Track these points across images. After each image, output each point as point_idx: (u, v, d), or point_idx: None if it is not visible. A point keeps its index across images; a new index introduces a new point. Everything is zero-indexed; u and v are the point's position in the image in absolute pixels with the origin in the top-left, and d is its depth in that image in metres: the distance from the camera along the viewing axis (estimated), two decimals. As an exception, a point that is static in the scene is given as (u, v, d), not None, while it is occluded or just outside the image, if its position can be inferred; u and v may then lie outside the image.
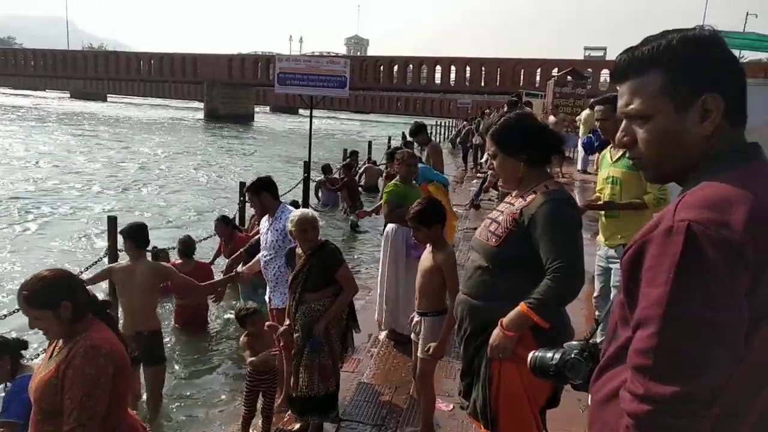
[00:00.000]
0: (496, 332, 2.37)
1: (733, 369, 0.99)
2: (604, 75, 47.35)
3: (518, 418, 2.46)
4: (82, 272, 5.44)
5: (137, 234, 4.53)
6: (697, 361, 0.98)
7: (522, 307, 2.29)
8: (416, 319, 3.49)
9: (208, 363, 5.92)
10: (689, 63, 1.15)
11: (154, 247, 7.02)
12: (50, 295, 2.32)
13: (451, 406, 4.05)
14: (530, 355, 1.77)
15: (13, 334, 3.90)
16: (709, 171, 1.14)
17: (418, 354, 3.49)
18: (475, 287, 2.55)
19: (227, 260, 7.39)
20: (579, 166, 14.03)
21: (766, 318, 1.01)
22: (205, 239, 7.94)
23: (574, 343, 1.68)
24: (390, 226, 5.19)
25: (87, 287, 2.49)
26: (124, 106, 78.57)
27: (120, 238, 4.96)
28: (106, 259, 6.11)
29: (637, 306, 1.07)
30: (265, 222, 4.49)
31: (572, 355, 1.62)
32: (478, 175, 11.58)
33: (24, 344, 3.46)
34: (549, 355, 1.69)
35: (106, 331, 2.42)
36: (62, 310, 2.32)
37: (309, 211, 3.89)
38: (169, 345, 6.13)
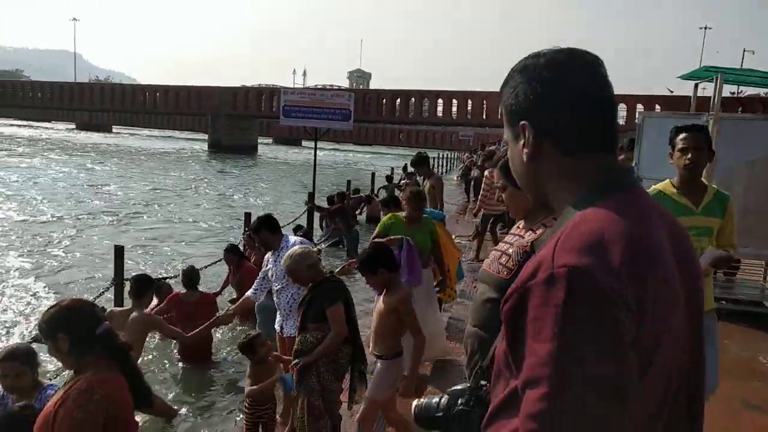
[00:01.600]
0: None
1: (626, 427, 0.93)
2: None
3: None
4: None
5: (136, 286, 5.23)
6: (590, 425, 0.91)
7: None
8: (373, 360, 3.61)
9: (213, 397, 5.87)
10: (505, 92, 1.20)
11: (158, 280, 7.08)
12: (50, 326, 2.32)
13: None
14: (414, 402, 1.64)
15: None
16: (579, 200, 1.10)
17: (365, 394, 3.61)
18: (486, 320, 2.55)
19: (235, 289, 7.50)
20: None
21: (648, 366, 0.97)
22: (207, 266, 7.95)
23: (458, 388, 1.57)
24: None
25: (102, 323, 2.39)
26: (128, 137, 79.28)
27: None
28: (111, 291, 6.15)
29: (523, 358, 0.99)
30: (269, 255, 4.67)
31: (459, 406, 1.52)
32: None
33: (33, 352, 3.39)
34: (435, 401, 1.58)
35: (111, 373, 2.34)
36: (59, 343, 2.29)
37: (297, 249, 3.87)
38: (173, 380, 6.12)
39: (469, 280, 8.15)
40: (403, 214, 5.05)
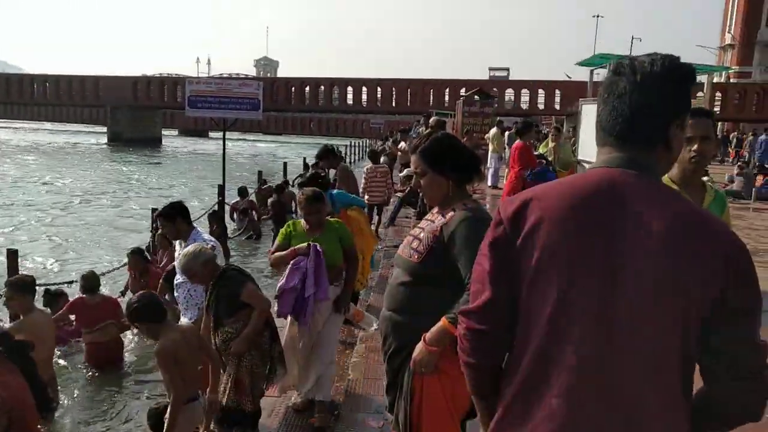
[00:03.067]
0: (419, 347, 2.42)
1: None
2: (509, 94, 49.68)
3: (440, 429, 2.51)
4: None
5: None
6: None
7: (443, 322, 2.36)
8: None
9: (121, 403, 5.63)
10: None
11: (47, 290, 6.68)
12: None
13: (381, 423, 4.07)
14: None
15: None
16: None
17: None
18: (398, 303, 2.60)
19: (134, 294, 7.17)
20: (489, 182, 14.57)
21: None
22: (108, 272, 7.58)
23: None
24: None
25: None
26: (16, 131, 73.73)
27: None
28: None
29: None
30: (177, 246, 4.47)
31: None
32: (397, 194, 11.79)
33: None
34: None
35: (12, 375, 2.27)
36: None
37: (190, 248, 3.80)
38: (80, 387, 5.82)
39: (387, 266, 8.24)
40: (302, 221, 4.21)
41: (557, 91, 46.91)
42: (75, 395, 5.69)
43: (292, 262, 3.91)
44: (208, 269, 3.65)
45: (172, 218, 4.43)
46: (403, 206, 11.56)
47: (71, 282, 7.46)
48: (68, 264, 11.07)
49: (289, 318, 4.12)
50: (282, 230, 4.28)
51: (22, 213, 16.52)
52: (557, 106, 45.13)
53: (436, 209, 2.64)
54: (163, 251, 7.95)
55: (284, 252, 4.02)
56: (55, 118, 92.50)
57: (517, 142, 8.49)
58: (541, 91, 47.88)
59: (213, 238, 4.69)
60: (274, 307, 4.01)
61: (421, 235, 2.57)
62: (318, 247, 3.93)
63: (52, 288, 6.84)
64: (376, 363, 5.02)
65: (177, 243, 4.56)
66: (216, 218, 10.79)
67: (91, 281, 6.20)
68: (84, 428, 5.12)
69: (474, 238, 2.40)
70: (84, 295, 6.16)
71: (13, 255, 6.33)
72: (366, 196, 10.13)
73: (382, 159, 11.91)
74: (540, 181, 7.34)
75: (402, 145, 12.70)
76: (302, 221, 4.20)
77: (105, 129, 58.23)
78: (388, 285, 2.73)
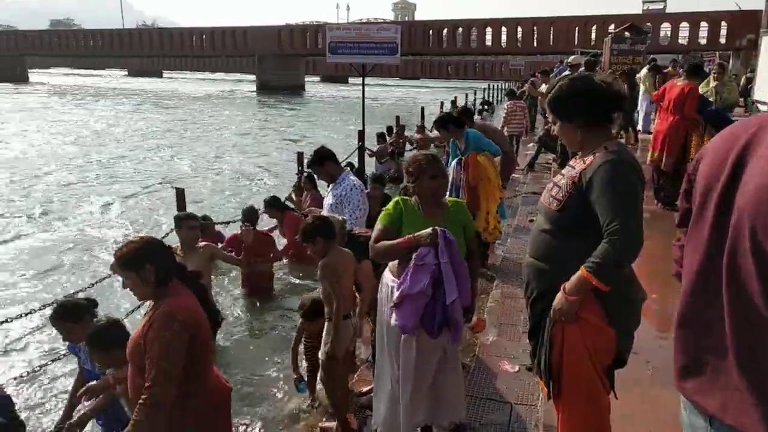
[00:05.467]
0: (559, 296, 2.43)
1: None
2: (665, 29, 45.15)
3: (581, 379, 2.51)
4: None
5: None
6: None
7: (582, 271, 2.34)
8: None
9: (271, 323, 6.22)
10: None
11: (203, 216, 7.46)
12: (135, 258, 2.54)
13: (517, 368, 4.13)
14: None
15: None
16: None
17: (319, 356, 3.69)
18: (540, 250, 2.61)
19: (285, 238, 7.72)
20: (640, 126, 13.57)
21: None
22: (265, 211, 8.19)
23: None
24: (386, 273, 3.16)
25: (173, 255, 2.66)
26: (179, 82, 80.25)
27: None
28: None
29: None
30: (329, 189, 4.80)
31: None
32: (535, 139, 11.51)
33: (94, 303, 3.66)
34: None
35: (187, 299, 2.58)
36: (146, 273, 2.53)
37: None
38: (238, 312, 6.47)
39: (524, 214, 8.12)
40: (413, 199, 3.12)
41: (723, 24, 41.84)
42: (235, 315, 6.35)
43: (414, 256, 2.85)
44: (339, 234, 3.86)
45: (321, 163, 4.73)
46: (543, 151, 11.22)
47: (228, 222, 8.19)
48: (227, 202, 12.09)
49: (388, 334, 3.08)
50: (388, 208, 3.09)
51: (186, 157, 18.16)
52: (723, 40, 40.44)
53: (579, 154, 2.58)
54: (307, 193, 8.43)
55: (396, 241, 2.92)
56: (210, 68, 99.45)
57: (686, 83, 7.58)
58: (703, 24, 42.96)
59: (359, 182, 4.91)
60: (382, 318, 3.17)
61: (561, 182, 2.53)
62: (449, 235, 2.86)
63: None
64: (512, 309, 5.04)
65: (330, 188, 4.83)
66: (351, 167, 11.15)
67: (249, 216, 6.73)
68: (240, 345, 5.74)
69: (613, 183, 2.32)
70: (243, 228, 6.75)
71: (180, 193, 7.05)
72: (505, 129, 11.04)
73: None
74: (719, 123, 6.70)
75: (543, 87, 12.18)
76: (414, 198, 3.11)
77: (254, 78, 61.64)
78: (531, 232, 2.75)
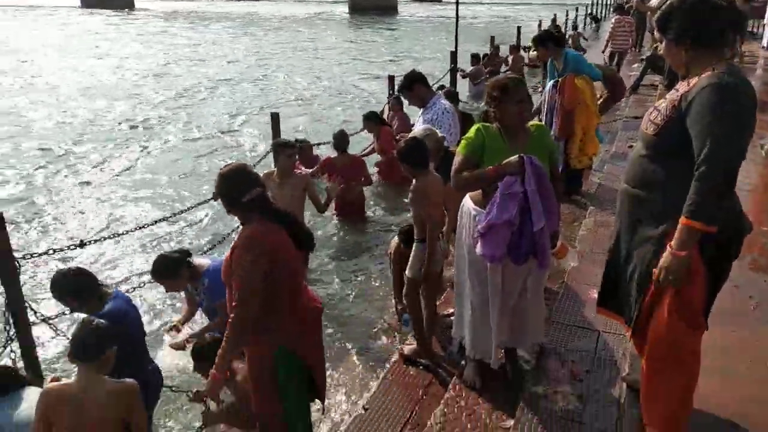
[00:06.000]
0: (666, 255, 2.24)
1: None
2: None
3: (670, 340, 2.38)
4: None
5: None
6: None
7: (683, 220, 2.17)
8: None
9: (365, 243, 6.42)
10: None
11: (298, 141, 7.68)
12: (216, 189, 2.77)
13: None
14: None
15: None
16: None
17: (406, 274, 3.73)
18: (635, 176, 2.51)
19: (379, 154, 7.81)
20: (765, 42, 12.27)
21: None
22: (354, 133, 8.29)
23: None
24: (467, 202, 3.13)
25: (249, 191, 2.70)
26: (277, 4, 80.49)
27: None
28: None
29: None
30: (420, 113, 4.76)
31: None
32: (641, 59, 10.72)
33: (187, 253, 3.84)
34: None
35: (269, 225, 2.70)
36: (223, 203, 2.72)
37: (419, 133, 3.89)
38: (331, 235, 6.70)
39: (624, 139, 7.73)
40: (494, 125, 2.99)
41: None
42: (328, 239, 6.60)
43: (500, 185, 2.78)
44: (437, 148, 3.83)
45: (411, 87, 4.68)
46: (649, 72, 10.47)
47: (320, 143, 8.38)
48: (323, 124, 12.29)
49: (470, 261, 3.10)
50: (469, 136, 2.99)
51: (276, 80, 18.46)
52: None
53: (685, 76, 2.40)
54: (395, 115, 8.42)
55: (481, 171, 2.86)
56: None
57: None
58: None
59: (450, 105, 4.84)
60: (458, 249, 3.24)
61: (662, 105, 2.39)
62: (536, 161, 2.80)
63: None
64: (605, 237, 4.91)
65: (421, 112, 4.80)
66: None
67: (340, 140, 6.85)
68: (333, 267, 5.99)
69: (712, 108, 2.14)
70: (333, 154, 6.91)
71: (275, 118, 7.24)
72: (609, 45, 11.58)
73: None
74: None
75: (653, 1, 11.17)
76: (495, 125, 2.99)
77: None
78: (629, 157, 2.64)
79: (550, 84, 5.69)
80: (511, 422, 3.09)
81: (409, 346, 3.94)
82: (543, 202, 2.79)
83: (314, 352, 2.97)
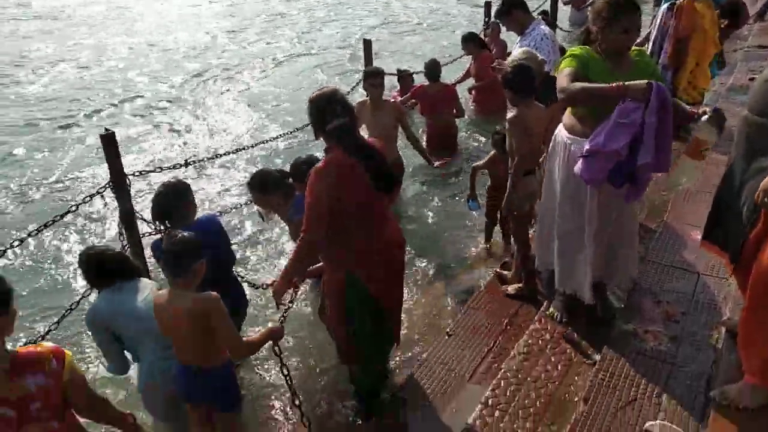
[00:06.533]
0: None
1: None
2: None
3: None
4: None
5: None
6: None
7: None
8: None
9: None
10: None
11: (399, 71, 7.71)
12: (309, 112, 2.80)
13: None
14: None
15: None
16: None
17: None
18: (756, 102, 2.31)
19: (474, 79, 7.57)
20: None
21: None
22: (448, 63, 8.04)
23: None
24: (560, 131, 3.02)
25: (335, 119, 2.70)
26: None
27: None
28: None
29: None
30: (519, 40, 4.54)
31: None
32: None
33: (285, 174, 3.82)
34: None
35: (343, 158, 2.68)
36: (312, 126, 2.78)
37: (520, 55, 3.70)
38: (421, 167, 6.64)
39: (744, 71, 7.06)
40: (594, 47, 2.83)
41: None
42: (418, 169, 6.56)
43: (617, 110, 2.55)
44: (537, 72, 3.65)
45: (509, 12, 4.46)
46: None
47: (413, 73, 8.21)
48: (417, 52, 12.03)
49: (563, 189, 3.03)
50: (573, 51, 2.80)
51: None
52: None
53: None
54: (491, 41, 8.07)
55: (601, 85, 2.61)
56: None
57: None
58: None
59: (550, 31, 4.58)
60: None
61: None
62: (665, 92, 2.51)
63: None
64: (715, 175, 4.60)
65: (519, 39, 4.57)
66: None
67: (433, 69, 6.67)
68: (422, 197, 6.00)
69: None
70: (426, 83, 6.76)
71: (368, 45, 7.14)
72: None
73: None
74: None
75: None
76: (595, 46, 2.82)
77: None
78: (753, 84, 2.42)
79: (665, 6, 5.22)
80: (597, 357, 3.05)
81: (513, 285, 3.89)
82: (659, 138, 2.54)
83: (385, 286, 2.97)
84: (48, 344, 1.94)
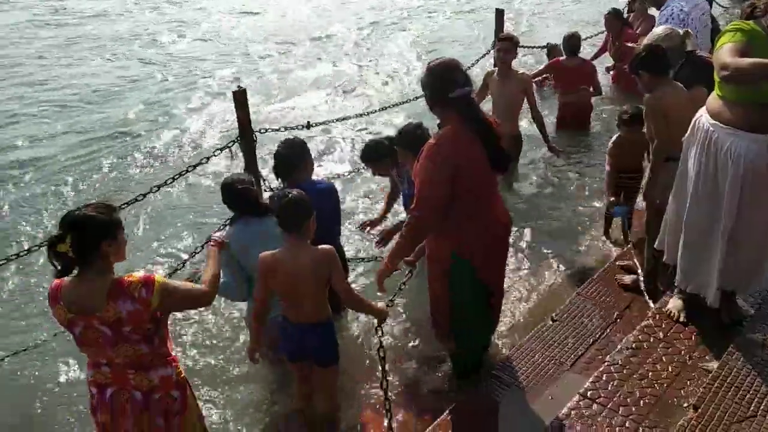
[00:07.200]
0: None
1: None
2: None
3: None
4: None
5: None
6: None
7: None
8: None
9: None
10: None
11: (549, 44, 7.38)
12: (428, 81, 2.68)
13: None
14: None
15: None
16: None
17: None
18: None
19: (613, 59, 7.07)
20: None
21: None
22: (590, 37, 7.58)
23: None
24: (703, 116, 2.77)
25: (459, 88, 2.60)
26: None
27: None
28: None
29: None
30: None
31: None
32: None
33: (393, 140, 3.76)
34: None
35: (458, 134, 2.57)
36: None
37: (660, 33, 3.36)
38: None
39: None
40: (762, 22, 2.58)
41: None
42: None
43: None
44: (678, 50, 3.33)
45: None
46: None
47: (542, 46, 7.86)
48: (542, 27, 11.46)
49: (703, 179, 2.77)
50: (737, 24, 2.59)
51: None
52: None
53: None
54: (638, 15, 7.45)
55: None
56: None
57: None
58: None
59: (689, 6, 4.17)
60: None
61: None
62: None
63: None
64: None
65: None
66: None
67: (571, 43, 6.29)
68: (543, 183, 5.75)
69: None
70: (563, 57, 6.41)
71: (500, 14, 6.87)
72: None
73: None
74: None
75: None
76: (764, 20, 2.56)
77: None
78: None
79: None
80: (714, 364, 2.79)
81: (630, 276, 3.66)
82: None
83: (491, 268, 2.89)
84: (139, 274, 2.10)
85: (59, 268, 2.03)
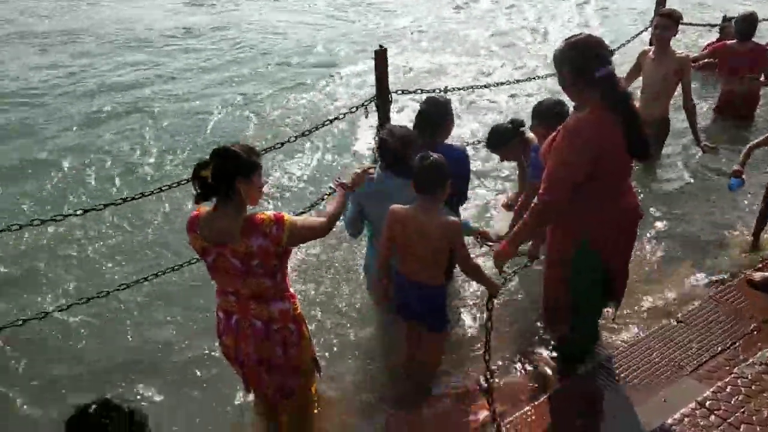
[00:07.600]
0: None
1: None
2: None
3: None
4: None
5: None
6: None
7: None
8: None
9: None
10: None
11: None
12: (557, 60, 2.53)
13: None
14: None
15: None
16: None
17: None
18: None
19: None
20: None
21: None
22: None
23: None
24: None
25: (605, 66, 2.42)
26: None
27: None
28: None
29: None
30: None
31: None
32: None
33: (521, 123, 3.66)
34: None
35: (607, 118, 2.41)
36: (564, 75, 2.49)
37: None
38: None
39: None
40: None
41: None
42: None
43: None
44: None
45: None
46: None
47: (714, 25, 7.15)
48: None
49: None
50: None
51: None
52: None
53: None
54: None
55: None
56: None
57: None
58: None
59: None
60: None
61: None
62: None
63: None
64: None
65: None
66: None
67: (746, 25, 5.62)
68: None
69: None
70: (731, 41, 5.78)
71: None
72: None
73: None
74: None
75: None
76: None
77: None
78: None
79: None
80: None
81: (761, 273, 3.35)
82: None
83: (620, 259, 2.75)
84: (270, 212, 2.22)
85: (199, 191, 2.17)
